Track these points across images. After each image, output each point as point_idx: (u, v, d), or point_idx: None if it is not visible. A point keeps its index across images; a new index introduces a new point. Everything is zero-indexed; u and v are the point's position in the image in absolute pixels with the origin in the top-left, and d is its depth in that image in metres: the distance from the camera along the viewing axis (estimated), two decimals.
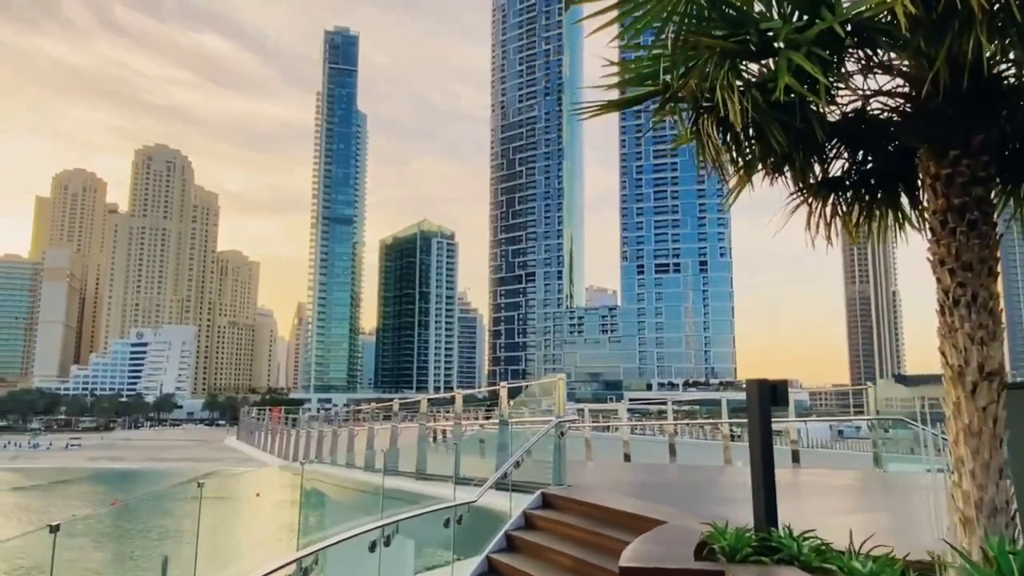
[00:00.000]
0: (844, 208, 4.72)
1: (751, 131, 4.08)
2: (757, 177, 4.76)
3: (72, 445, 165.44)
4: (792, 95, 3.66)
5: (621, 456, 14.74)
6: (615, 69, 4.68)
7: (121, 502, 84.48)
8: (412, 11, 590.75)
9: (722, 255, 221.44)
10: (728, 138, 4.47)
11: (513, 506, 6.97)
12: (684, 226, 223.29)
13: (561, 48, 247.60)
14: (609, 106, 4.67)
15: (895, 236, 4.61)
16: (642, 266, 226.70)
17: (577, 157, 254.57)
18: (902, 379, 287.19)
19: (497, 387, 8.55)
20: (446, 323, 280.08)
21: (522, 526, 6.75)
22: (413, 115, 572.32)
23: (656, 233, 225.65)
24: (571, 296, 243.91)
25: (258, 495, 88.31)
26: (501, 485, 7.23)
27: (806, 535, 4.46)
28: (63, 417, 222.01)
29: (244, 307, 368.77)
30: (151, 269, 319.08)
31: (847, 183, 4.71)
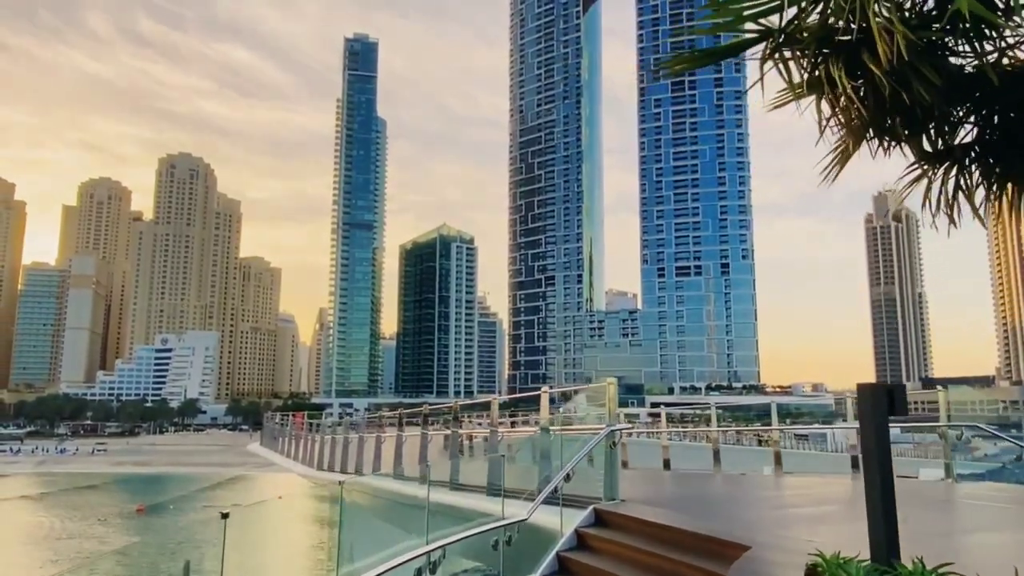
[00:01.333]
0: (971, 181, 3.84)
1: (866, 86, 3.18)
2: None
3: (98, 450, 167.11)
4: (948, 34, 2.97)
5: (660, 463, 13.91)
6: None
7: (148, 507, 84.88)
8: (431, 18, 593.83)
9: (744, 257, 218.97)
10: (845, 90, 3.46)
11: (563, 523, 6.24)
12: (705, 228, 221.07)
13: (579, 51, 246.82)
14: (704, 56, 3.78)
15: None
16: (663, 269, 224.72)
17: (596, 160, 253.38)
18: (929, 382, 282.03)
19: (540, 392, 7.88)
20: (466, 327, 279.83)
21: (574, 546, 6.01)
22: (432, 121, 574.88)
23: (677, 236, 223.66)
24: (591, 300, 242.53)
25: (280, 498, 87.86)
26: (548, 499, 6.51)
27: (944, 569, 3.50)
28: (89, 422, 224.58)
29: (266, 313, 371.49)
30: (175, 275, 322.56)
31: (977, 149, 3.81)
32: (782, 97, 3.69)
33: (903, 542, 3.74)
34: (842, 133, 3.77)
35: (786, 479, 10.57)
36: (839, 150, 3.91)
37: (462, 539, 5.70)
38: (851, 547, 3.72)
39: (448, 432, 11.38)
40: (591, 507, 6.25)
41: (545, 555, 5.84)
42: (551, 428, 7.61)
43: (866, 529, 3.72)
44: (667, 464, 13.84)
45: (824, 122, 3.75)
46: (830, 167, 4.00)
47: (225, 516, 5.61)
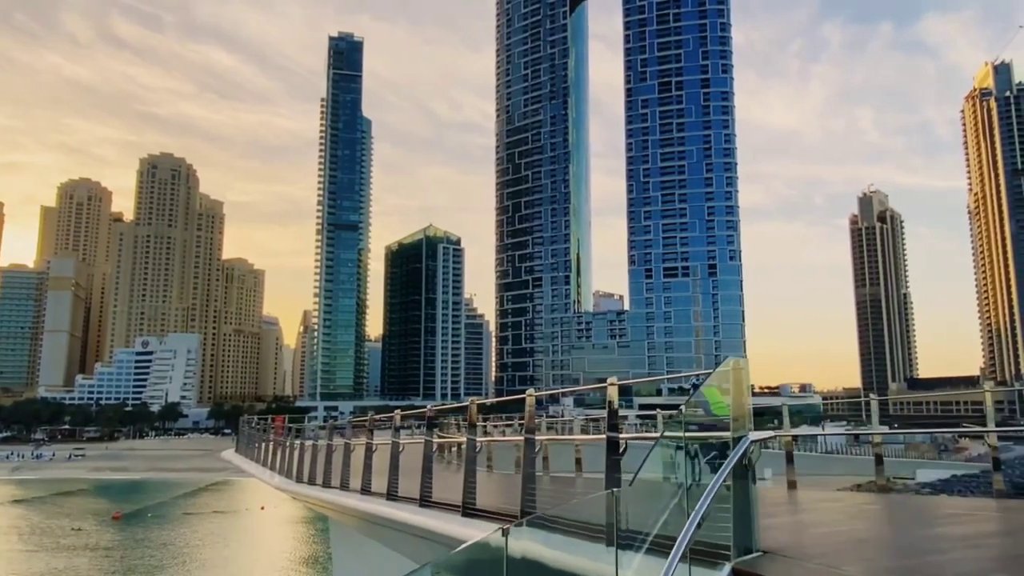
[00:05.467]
0: None
1: None
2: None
3: (76, 455, 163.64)
4: None
5: None
6: None
7: (125, 514, 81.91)
8: (416, 22, 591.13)
9: (732, 259, 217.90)
10: None
11: None
12: (692, 229, 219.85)
13: (566, 51, 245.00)
14: None
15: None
16: (650, 270, 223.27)
17: (583, 160, 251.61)
18: (915, 383, 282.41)
19: (606, 384, 5.57)
20: (452, 329, 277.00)
21: None
22: (416, 125, 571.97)
23: (664, 237, 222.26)
24: (578, 301, 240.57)
25: (263, 508, 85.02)
26: (655, 549, 4.04)
27: None
28: (67, 427, 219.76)
29: (250, 315, 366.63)
30: (156, 277, 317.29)
31: None
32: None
33: None
34: None
35: (942, 499, 8.05)
36: None
37: None
38: None
39: (462, 439, 9.10)
40: (727, 567, 3.81)
41: None
42: (623, 439, 5.29)
43: None
44: None
45: None
46: None
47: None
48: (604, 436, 5.67)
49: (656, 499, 4.13)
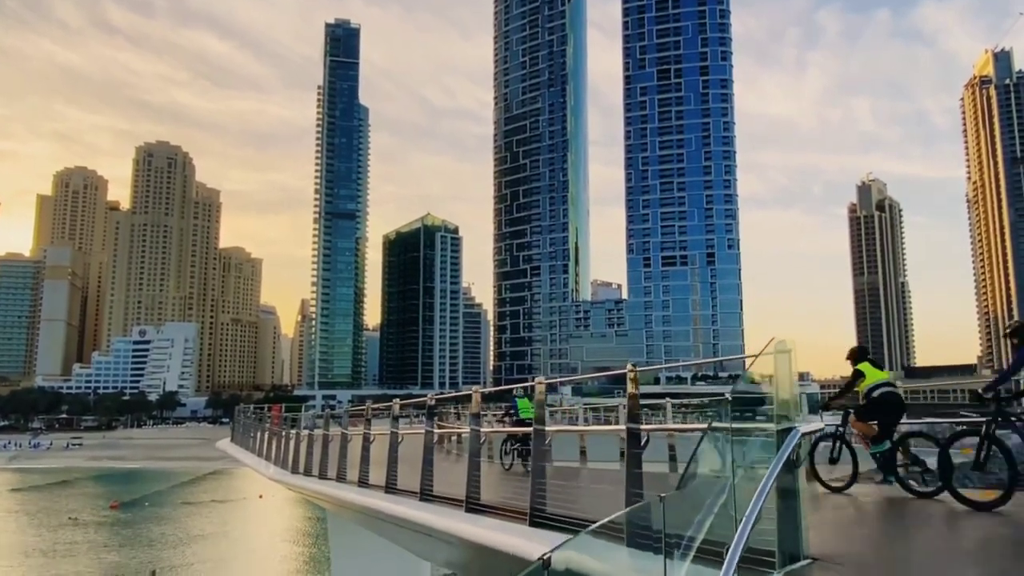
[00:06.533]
0: None
1: None
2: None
3: (73, 444, 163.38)
4: None
5: None
6: None
7: (122, 504, 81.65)
8: (410, 9, 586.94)
9: (730, 247, 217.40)
10: None
11: None
12: (691, 218, 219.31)
13: (564, 39, 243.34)
14: None
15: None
16: (648, 259, 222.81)
17: (582, 149, 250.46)
18: (912, 371, 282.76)
19: (625, 370, 5.02)
20: (451, 318, 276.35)
21: None
22: (412, 113, 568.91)
23: (663, 225, 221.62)
24: (577, 290, 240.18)
25: (261, 496, 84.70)
26: (699, 556, 3.49)
27: None
28: (64, 416, 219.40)
29: (247, 304, 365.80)
30: (153, 266, 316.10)
31: None
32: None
33: None
34: None
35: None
36: None
37: None
38: None
39: (464, 430, 8.65)
40: None
41: None
42: (643, 428, 4.76)
43: None
44: None
45: None
46: None
47: None
48: (623, 427, 5.19)
49: (701, 501, 3.62)
